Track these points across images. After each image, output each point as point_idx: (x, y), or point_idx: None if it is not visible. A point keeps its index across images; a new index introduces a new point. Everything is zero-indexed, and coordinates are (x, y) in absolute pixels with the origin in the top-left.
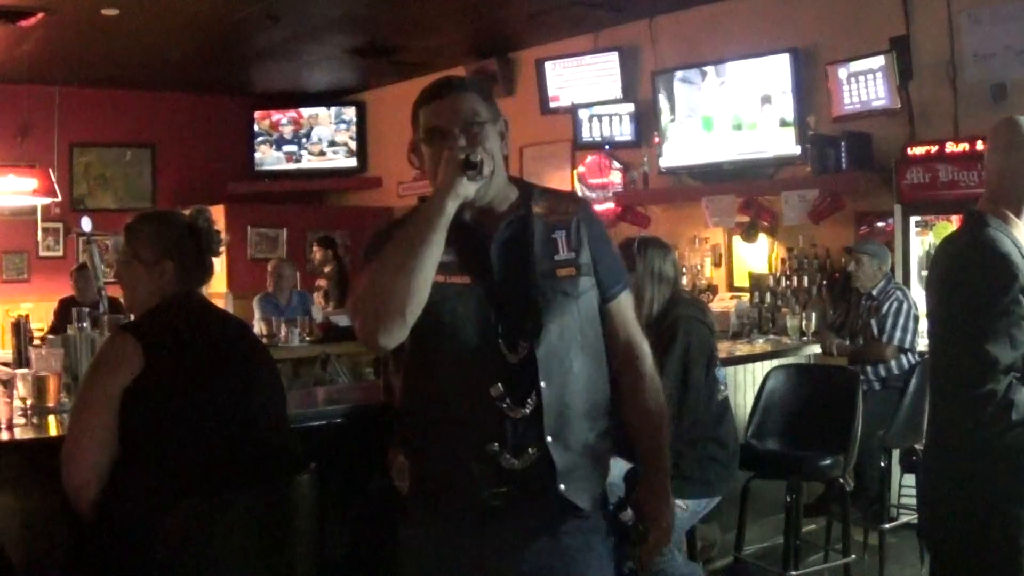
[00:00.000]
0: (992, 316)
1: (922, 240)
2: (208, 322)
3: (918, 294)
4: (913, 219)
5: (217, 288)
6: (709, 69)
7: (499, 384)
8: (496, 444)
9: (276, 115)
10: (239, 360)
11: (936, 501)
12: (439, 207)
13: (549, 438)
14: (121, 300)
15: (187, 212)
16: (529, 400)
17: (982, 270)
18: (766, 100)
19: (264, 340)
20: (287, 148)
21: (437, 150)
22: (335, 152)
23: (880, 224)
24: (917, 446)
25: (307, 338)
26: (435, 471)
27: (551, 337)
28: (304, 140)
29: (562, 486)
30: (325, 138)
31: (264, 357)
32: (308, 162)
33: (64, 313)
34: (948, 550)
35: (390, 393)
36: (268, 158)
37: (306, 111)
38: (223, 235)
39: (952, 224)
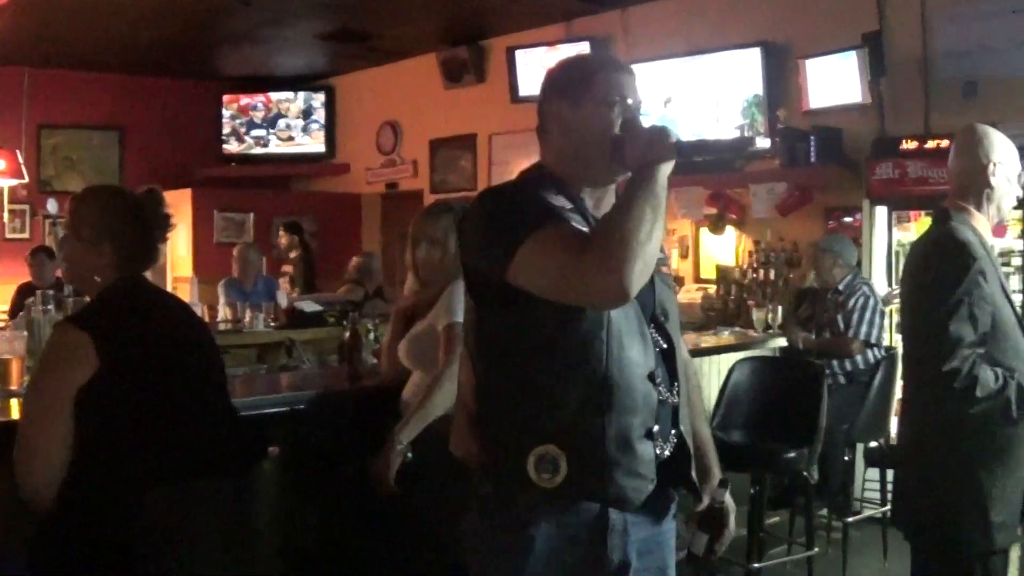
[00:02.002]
0: (953, 299)
1: (902, 237)
2: (156, 310)
3: (883, 289)
4: (881, 212)
5: (183, 272)
6: (679, 61)
7: (656, 369)
8: (657, 427)
9: (245, 99)
10: (188, 348)
11: (909, 490)
12: (660, 176)
13: (683, 426)
14: None
15: (139, 192)
16: (675, 384)
17: (943, 257)
18: (737, 93)
19: (229, 325)
20: (255, 133)
21: (616, 118)
22: (303, 137)
23: (848, 219)
24: (882, 441)
25: (272, 323)
26: (602, 458)
27: (673, 326)
28: (273, 125)
29: (693, 474)
30: (294, 123)
31: (209, 342)
32: (276, 147)
33: (23, 297)
34: (926, 538)
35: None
36: (236, 143)
37: (275, 96)
38: (173, 219)
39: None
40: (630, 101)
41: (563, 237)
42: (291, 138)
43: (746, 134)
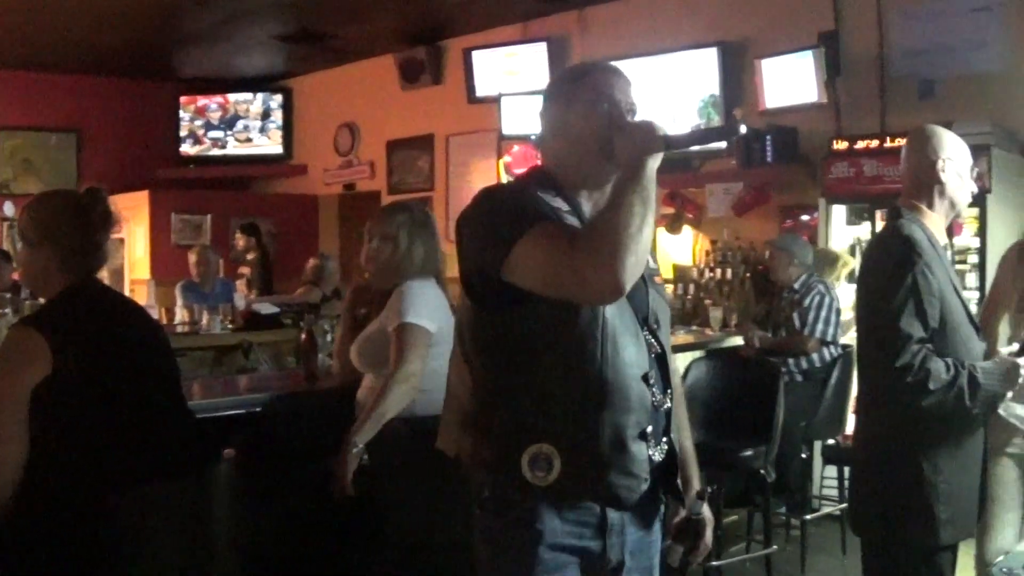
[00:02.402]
0: (900, 295)
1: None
2: (111, 312)
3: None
4: (837, 211)
5: (140, 274)
6: (637, 61)
7: (650, 371)
8: (650, 429)
9: (203, 100)
10: (143, 350)
11: (860, 486)
12: (649, 169)
13: (673, 433)
14: None
15: (80, 191)
16: (668, 390)
17: (888, 254)
18: (693, 93)
19: (186, 327)
20: (213, 134)
21: (604, 117)
22: (261, 139)
23: (805, 218)
24: (839, 438)
25: (229, 326)
26: (596, 457)
27: (665, 336)
28: (230, 126)
29: (679, 480)
30: (251, 124)
31: (164, 344)
32: (234, 148)
33: None
34: (874, 534)
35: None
36: (194, 144)
37: (233, 97)
38: (116, 217)
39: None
40: (619, 100)
41: (557, 234)
42: (249, 139)
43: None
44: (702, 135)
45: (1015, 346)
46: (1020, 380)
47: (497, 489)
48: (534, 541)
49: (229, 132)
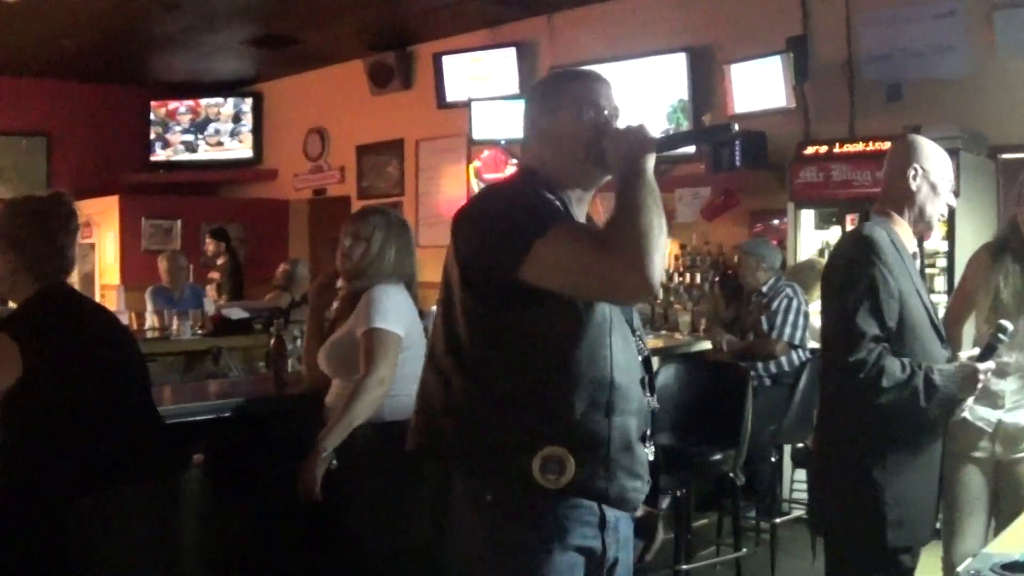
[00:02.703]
0: (856, 293)
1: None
2: (81, 317)
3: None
4: (806, 215)
5: (110, 280)
6: (606, 66)
7: (643, 375)
8: (648, 431)
9: (173, 105)
10: (113, 356)
11: (821, 488)
12: (648, 169)
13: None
14: None
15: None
16: (654, 393)
17: (849, 253)
18: (662, 97)
19: (156, 333)
20: (183, 139)
21: (588, 123)
22: (231, 143)
23: (775, 222)
24: (808, 442)
25: (199, 331)
26: (607, 459)
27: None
28: (201, 131)
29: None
30: (222, 129)
31: (134, 350)
32: (204, 153)
33: None
34: (832, 537)
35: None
36: (164, 149)
37: (203, 101)
38: (79, 222)
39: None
40: (603, 106)
41: (579, 234)
42: (219, 144)
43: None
44: (694, 136)
45: (976, 350)
46: (979, 386)
47: (501, 492)
48: (546, 542)
49: (199, 137)
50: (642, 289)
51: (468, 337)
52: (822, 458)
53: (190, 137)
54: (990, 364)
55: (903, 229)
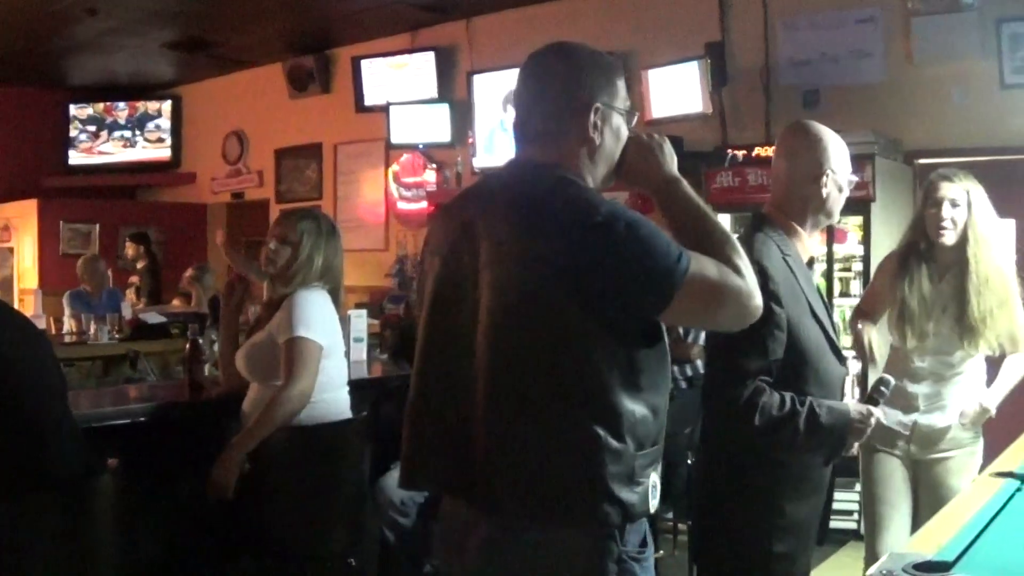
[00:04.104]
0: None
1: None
2: None
3: None
4: (722, 220)
5: (29, 284)
6: None
7: None
8: None
9: (92, 108)
10: (27, 360)
11: (700, 518)
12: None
13: None
14: None
15: None
16: None
17: None
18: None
19: (74, 337)
20: (102, 142)
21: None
22: (150, 147)
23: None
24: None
25: (116, 336)
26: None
27: None
28: (119, 134)
29: None
30: (140, 132)
31: (49, 354)
32: (122, 156)
33: None
34: (711, 569)
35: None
36: (82, 152)
37: (122, 104)
38: None
39: None
40: (636, 113)
41: (704, 266)
42: (138, 146)
43: None
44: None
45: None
46: (868, 431)
47: (599, 523)
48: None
49: (118, 140)
50: (759, 309)
51: (573, 368)
52: (703, 490)
53: (109, 140)
54: (878, 414)
55: (800, 237)
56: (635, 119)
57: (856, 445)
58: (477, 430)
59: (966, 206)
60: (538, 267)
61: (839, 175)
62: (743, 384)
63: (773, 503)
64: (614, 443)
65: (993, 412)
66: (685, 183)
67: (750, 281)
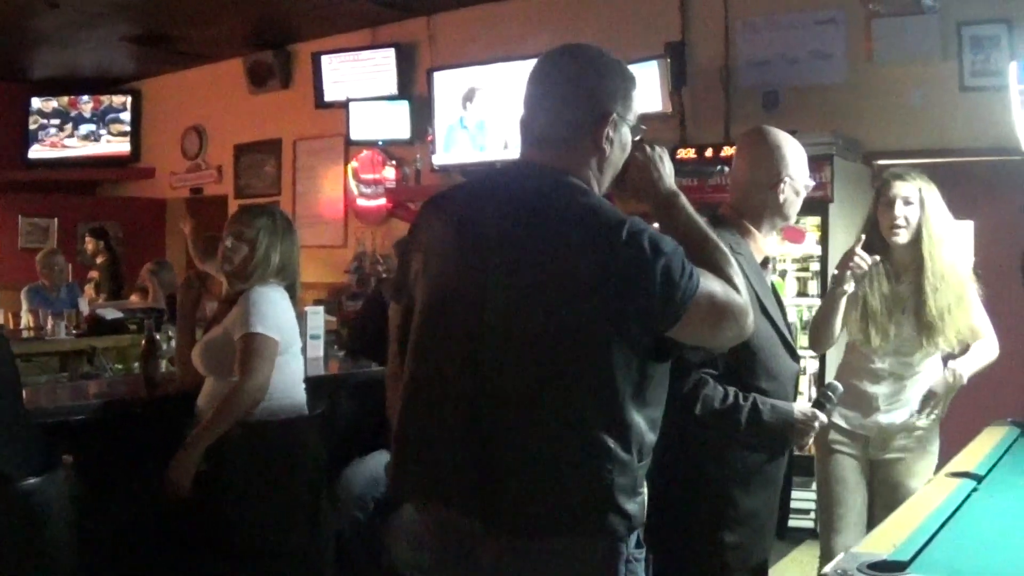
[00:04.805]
0: None
1: None
2: None
3: None
4: None
5: None
6: (485, 68)
7: None
8: None
9: (51, 102)
10: None
11: (653, 509)
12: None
13: None
14: None
15: None
16: None
17: None
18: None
19: (32, 333)
20: (61, 136)
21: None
22: (109, 141)
23: (655, 226)
24: None
25: (74, 331)
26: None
27: None
28: (79, 127)
29: None
30: (100, 127)
31: (5, 350)
32: (82, 150)
33: None
34: (663, 557)
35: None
36: (41, 146)
37: (82, 98)
38: None
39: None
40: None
41: (712, 279)
42: (97, 141)
43: None
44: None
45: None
46: (812, 434)
47: (617, 528)
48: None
49: (77, 134)
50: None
51: (610, 384)
52: (659, 472)
53: (68, 134)
54: (822, 418)
55: (755, 241)
56: (641, 134)
57: (811, 444)
58: (482, 439)
59: (919, 204)
60: (563, 280)
61: (796, 181)
62: (686, 375)
63: (725, 494)
64: (623, 454)
65: (965, 379)
66: (684, 197)
67: (746, 298)
